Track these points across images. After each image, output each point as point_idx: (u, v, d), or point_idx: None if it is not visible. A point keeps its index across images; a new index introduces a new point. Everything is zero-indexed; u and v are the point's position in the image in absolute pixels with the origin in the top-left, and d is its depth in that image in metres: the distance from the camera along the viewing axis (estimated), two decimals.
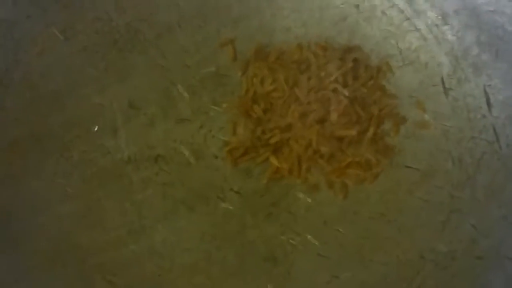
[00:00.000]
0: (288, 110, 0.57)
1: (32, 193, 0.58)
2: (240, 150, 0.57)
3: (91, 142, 0.59)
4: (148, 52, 0.61)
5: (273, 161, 0.57)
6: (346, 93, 0.57)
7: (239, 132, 0.58)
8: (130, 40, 0.62)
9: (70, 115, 0.60)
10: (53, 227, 0.57)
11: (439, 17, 0.60)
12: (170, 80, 0.60)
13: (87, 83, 0.61)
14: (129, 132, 0.59)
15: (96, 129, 0.59)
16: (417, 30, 0.60)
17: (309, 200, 0.57)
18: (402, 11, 0.61)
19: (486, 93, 0.58)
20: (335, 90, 0.57)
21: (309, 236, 0.56)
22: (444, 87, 0.59)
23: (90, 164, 0.58)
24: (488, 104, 0.58)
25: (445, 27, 0.60)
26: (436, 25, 0.60)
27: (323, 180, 0.57)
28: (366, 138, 0.57)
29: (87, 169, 0.58)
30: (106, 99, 0.60)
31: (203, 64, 0.61)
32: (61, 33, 0.62)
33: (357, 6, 0.61)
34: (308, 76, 0.58)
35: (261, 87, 0.58)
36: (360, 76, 0.59)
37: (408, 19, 0.61)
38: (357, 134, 0.56)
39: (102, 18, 0.62)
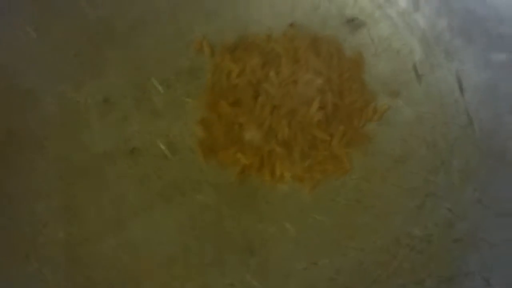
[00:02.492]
0: (256, 104, 0.57)
1: (7, 189, 0.57)
2: (211, 146, 0.57)
3: (66, 138, 0.59)
4: (122, 47, 0.61)
5: (241, 158, 0.57)
6: (320, 83, 0.57)
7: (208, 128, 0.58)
8: (103, 35, 0.61)
9: (45, 112, 0.60)
10: (29, 223, 0.56)
11: (411, 4, 0.61)
12: (144, 74, 0.60)
13: (62, 80, 0.60)
14: (104, 127, 0.59)
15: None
16: (389, 18, 0.61)
17: (286, 188, 0.57)
18: (373, 0, 0.61)
19: (458, 78, 0.58)
20: (308, 82, 0.57)
21: (286, 224, 0.56)
22: (417, 74, 0.59)
23: (65, 160, 0.58)
24: (461, 89, 0.58)
25: (417, 14, 0.60)
26: (408, 13, 0.61)
27: (293, 175, 0.57)
28: (339, 133, 0.57)
29: (63, 165, 0.58)
30: (81, 95, 0.60)
31: (177, 57, 0.61)
32: (34, 31, 0.61)
33: None
34: (277, 68, 0.58)
35: (227, 81, 0.58)
36: (334, 67, 0.59)
37: (380, 7, 0.61)
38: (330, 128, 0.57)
39: (75, 14, 0.62)
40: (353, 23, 0.61)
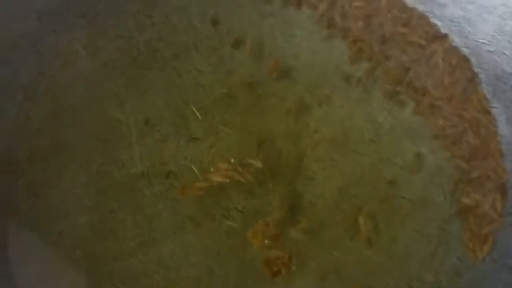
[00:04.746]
0: None
1: (51, 202, 0.62)
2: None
3: (107, 155, 0.63)
4: (165, 71, 0.64)
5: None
6: None
7: None
8: (148, 58, 0.65)
9: (89, 128, 0.63)
10: (69, 236, 0.61)
11: None
12: (184, 99, 0.64)
13: (106, 97, 0.64)
14: (143, 148, 0.63)
15: None
16: None
17: (308, 222, 0.60)
18: None
19: None
20: None
21: (308, 259, 0.60)
22: None
23: (106, 176, 0.62)
24: None
25: None
26: None
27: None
28: None
29: (103, 181, 0.62)
30: (123, 115, 0.64)
31: (216, 85, 0.64)
32: (83, 48, 0.65)
33: None
34: None
35: None
36: None
37: None
38: None
39: (123, 36, 0.65)
40: None
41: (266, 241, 0.59)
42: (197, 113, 0.63)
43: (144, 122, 0.63)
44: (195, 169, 0.62)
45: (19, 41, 0.64)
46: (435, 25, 0.63)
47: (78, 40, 0.65)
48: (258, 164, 0.60)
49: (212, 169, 0.61)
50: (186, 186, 0.61)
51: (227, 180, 0.60)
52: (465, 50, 0.63)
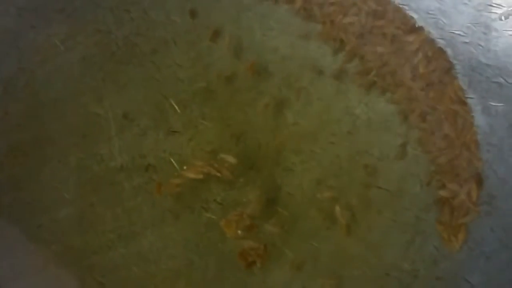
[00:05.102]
0: None
1: (30, 196, 0.62)
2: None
3: (87, 149, 0.63)
4: (144, 66, 0.65)
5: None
6: None
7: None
8: (127, 53, 0.65)
9: (68, 122, 0.64)
10: (49, 229, 0.61)
11: None
12: (163, 94, 0.64)
13: (85, 92, 0.64)
14: (122, 142, 0.63)
15: None
16: None
17: (286, 213, 0.61)
18: None
19: None
20: None
21: (285, 250, 0.60)
22: None
23: (85, 170, 0.63)
24: None
25: None
26: None
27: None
28: None
29: (83, 175, 0.63)
30: (102, 109, 0.64)
31: (194, 79, 0.64)
32: (62, 43, 0.65)
33: None
34: None
35: None
36: None
37: None
38: None
39: (102, 31, 0.65)
40: None
41: (239, 232, 0.59)
42: (176, 107, 0.64)
43: (123, 116, 0.64)
44: (174, 162, 0.62)
45: None
46: (411, 18, 0.63)
47: (56, 36, 0.65)
48: (232, 159, 0.61)
49: (185, 167, 0.61)
50: (161, 183, 0.61)
51: (201, 176, 0.61)
52: (441, 42, 0.63)
